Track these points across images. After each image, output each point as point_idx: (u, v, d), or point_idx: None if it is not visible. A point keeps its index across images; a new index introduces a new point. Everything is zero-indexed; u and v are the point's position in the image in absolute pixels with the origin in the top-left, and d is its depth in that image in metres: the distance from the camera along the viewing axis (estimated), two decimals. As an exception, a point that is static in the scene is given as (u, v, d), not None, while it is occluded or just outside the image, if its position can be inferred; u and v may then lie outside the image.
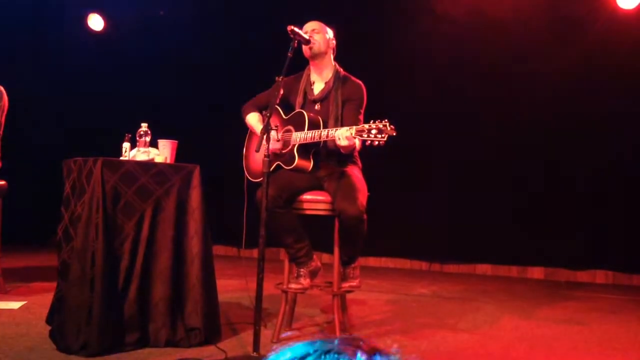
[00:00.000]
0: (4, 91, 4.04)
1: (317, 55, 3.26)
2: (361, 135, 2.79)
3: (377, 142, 2.75)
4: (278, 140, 3.19)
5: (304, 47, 3.22)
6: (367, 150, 3.10)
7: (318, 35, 3.25)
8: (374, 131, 2.75)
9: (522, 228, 5.71)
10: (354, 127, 2.84)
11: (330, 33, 3.33)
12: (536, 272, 5.79)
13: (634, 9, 5.16)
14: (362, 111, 3.24)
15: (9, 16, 6.50)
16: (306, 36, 3.12)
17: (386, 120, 2.76)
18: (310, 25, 3.29)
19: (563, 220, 5.60)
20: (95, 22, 6.70)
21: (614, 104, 5.35)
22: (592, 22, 5.32)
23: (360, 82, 3.29)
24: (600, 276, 5.61)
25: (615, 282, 5.54)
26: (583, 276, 5.65)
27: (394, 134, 2.74)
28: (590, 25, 5.33)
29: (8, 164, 4.11)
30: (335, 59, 3.35)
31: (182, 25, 6.47)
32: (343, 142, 2.88)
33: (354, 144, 2.96)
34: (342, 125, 3.08)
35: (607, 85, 5.35)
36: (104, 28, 6.72)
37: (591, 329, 3.72)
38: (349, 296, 3.40)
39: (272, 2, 6.14)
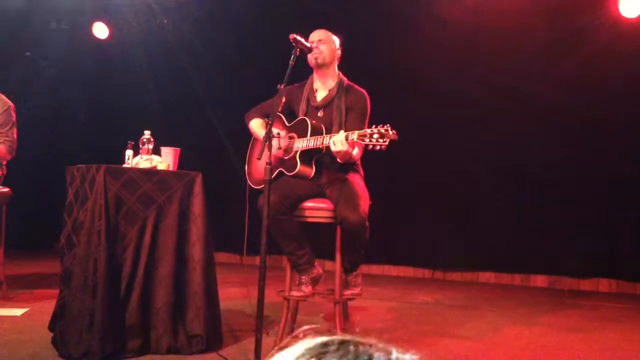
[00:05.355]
0: (12, 107, 4.04)
1: (322, 66, 3.25)
2: (363, 140, 2.78)
3: (378, 147, 2.74)
4: (280, 148, 3.20)
5: (309, 57, 3.21)
6: (369, 157, 3.10)
7: (324, 45, 3.22)
8: (375, 135, 2.74)
9: (526, 236, 5.70)
10: (356, 131, 2.84)
11: (336, 42, 3.31)
12: (539, 280, 5.77)
13: (637, 17, 5.16)
14: (367, 120, 3.21)
15: (12, 22, 6.53)
16: (308, 44, 3.11)
17: (388, 125, 2.76)
18: (317, 35, 3.26)
19: (567, 228, 5.58)
20: (100, 30, 6.73)
21: (615, 110, 5.35)
22: (595, 30, 5.32)
23: (364, 91, 3.27)
24: (603, 284, 5.59)
25: (619, 290, 5.51)
26: (587, 284, 5.63)
27: (396, 138, 2.74)
28: (593, 34, 5.33)
29: (11, 170, 4.14)
30: (339, 68, 3.34)
31: (185, 33, 6.50)
32: (337, 147, 2.86)
33: (350, 151, 2.94)
34: None
35: (609, 92, 5.34)
36: (109, 36, 6.76)
37: (594, 337, 3.71)
38: (351, 304, 3.39)
39: (272, 9, 6.16)
